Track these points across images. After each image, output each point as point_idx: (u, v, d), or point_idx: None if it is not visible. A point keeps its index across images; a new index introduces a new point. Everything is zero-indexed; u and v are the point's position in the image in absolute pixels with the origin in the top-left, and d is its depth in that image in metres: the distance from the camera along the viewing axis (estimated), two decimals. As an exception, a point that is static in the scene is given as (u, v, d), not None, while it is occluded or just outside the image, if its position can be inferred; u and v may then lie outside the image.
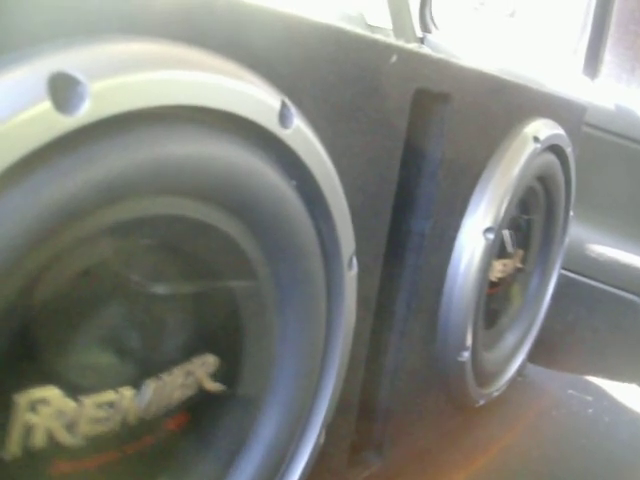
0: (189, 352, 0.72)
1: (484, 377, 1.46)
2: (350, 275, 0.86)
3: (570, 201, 1.71)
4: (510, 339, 1.60)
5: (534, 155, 1.36)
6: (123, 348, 0.66)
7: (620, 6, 2.31)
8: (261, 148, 0.70)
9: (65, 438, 0.59)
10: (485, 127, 1.25)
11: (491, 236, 1.23)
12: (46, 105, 0.47)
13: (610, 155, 2.23)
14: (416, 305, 1.17)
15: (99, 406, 0.62)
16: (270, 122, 0.68)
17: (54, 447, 0.59)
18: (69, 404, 0.59)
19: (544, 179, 1.50)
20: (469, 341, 1.29)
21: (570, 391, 1.84)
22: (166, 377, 0.68)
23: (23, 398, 0.56)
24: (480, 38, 2.69)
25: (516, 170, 1.29)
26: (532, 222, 1.57)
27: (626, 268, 2.19)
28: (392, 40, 0.96)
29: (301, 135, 0.73)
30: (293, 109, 0.72)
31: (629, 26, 2.40)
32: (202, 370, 0.71)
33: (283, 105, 0.70)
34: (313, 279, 0.80)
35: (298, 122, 0.73)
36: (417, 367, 1.26)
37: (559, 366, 2.00)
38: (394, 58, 0.93)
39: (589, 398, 1.81)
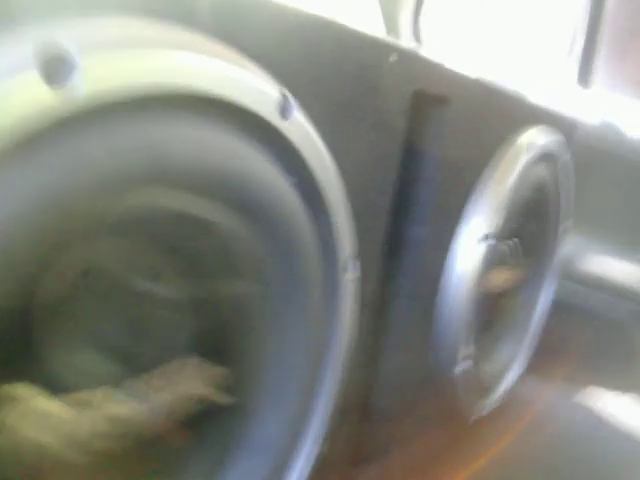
0: (176, 354, 0.69)
1: (481, 389, 1.43)
2: (349, 277, 0.83)
3: (567, 210, 1.70)
4: (507, 350, 1.61)
5: (530, 164, 1.34)
6: (108, 347, 0.63)
7: (613, 18, 2.32)
8: (260, 140, 0.67)
9: (44, 439, 0.56)
10: (482, 133, 1.23)
11: (486, 244, 1.21)
12: (35, 77, 0.44)
13: (601, 165, 2.23)
14: (413, 313, 1.14)
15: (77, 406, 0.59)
16: (269, 113, 0.66)
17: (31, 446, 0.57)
18: (45, 403, 0.56)
19: (539, 188, 1.48)
20: (464, 354, 1.26)
21: (567, 401, 1.82)
22: (149, 378, 0.65)
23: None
24: (473, 48, 2.69)
25: (512, 178, 1.27)
26: (529, 231, 1.56)
27: (622, 277, 2.21)
28: (392, 40, 0.96)
29: (300, 127, 0.71)
30: (292, 101, 0.69)
31: (622, 36, 2.41)
32: (194, 375, 0.70)
33: (283, 96, 0.67)
34: (310, 280, 0.77)
35: (297, 114, 0.70)
36: (415, 374, 1.22)
37: (555, 376, 1.99)
38: (394, 57, 0.91)
39: (586, 408, 1.80)
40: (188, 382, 0.67)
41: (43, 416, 0.55)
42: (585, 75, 2.32)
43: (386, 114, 0.93)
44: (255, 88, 0.63)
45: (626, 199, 2.26)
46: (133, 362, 0.65)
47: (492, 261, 1.31)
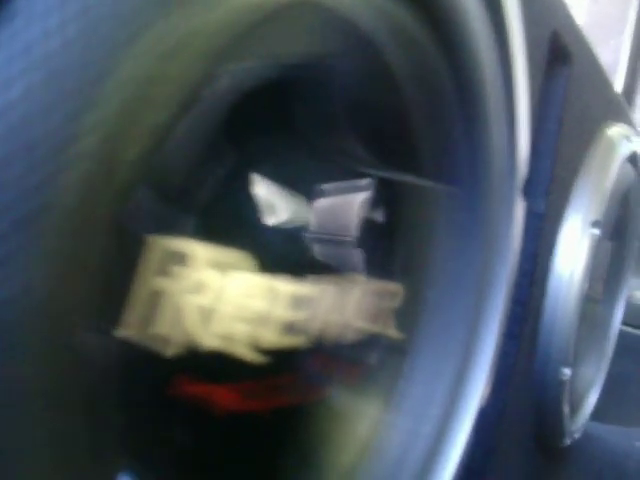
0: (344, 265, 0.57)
1: (575, 404, 1.28)
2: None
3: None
4: (587, 369, 1.47)
5: (624, 160, 1.20)
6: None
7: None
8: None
9: (194, 326, 0.40)
10: (587, 110, 1.10)
11: (597, 231, 1.07)
12: None
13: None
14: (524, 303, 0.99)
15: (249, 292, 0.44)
16: None
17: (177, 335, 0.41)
18: (212, 276, 0.41)
19: (627, 189, 1.32)
20: (571, 356, 1.11)
21: (637, 443, 1.68)
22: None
23: (159, 247, 0.39)
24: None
25: (613, 170, 1.13)
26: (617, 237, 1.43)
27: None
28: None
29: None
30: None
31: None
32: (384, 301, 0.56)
33: None
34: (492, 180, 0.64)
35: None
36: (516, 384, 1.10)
37: (613, 420, 1.86)
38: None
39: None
40: (359, 305, 0.55)
41: (208, 296, 0.40)
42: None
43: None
44: None
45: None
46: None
47: (597, 257, 1.15)
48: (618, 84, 2.24)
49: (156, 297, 0.39)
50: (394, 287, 0.57)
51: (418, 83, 0.55)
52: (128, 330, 0.38)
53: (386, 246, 0.61)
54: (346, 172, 0.57)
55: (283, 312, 0.44)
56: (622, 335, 1.88)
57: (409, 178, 0.58)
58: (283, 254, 0.52)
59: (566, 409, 1.21)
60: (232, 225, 0.49)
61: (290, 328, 0.46)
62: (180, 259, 0.39)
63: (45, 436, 0.33)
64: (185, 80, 0.34)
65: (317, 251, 0.54)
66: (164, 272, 0.39)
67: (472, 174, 0.64)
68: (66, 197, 0.30)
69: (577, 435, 1.40)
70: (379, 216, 0.59)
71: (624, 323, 1.91)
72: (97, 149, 0.30)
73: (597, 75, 1.16)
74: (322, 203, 0.54)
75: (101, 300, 0.35)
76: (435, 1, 0.53)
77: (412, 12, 0.51)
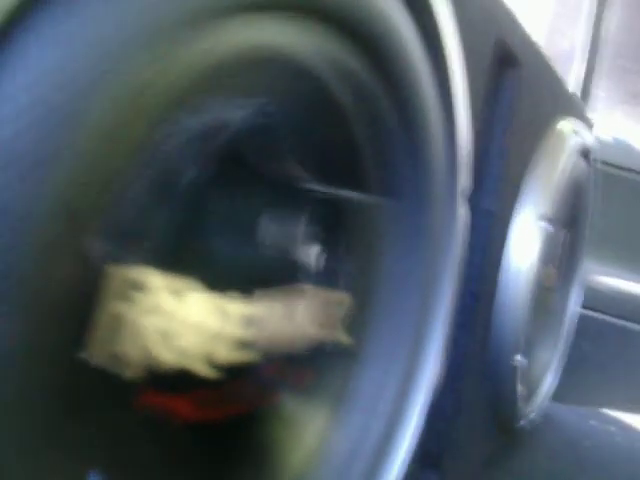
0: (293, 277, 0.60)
1: (530, 387, 1.34)
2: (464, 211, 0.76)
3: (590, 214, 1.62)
4: (543, 355, 1.52)
5: (575, 155, 1.26)
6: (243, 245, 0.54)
7: (615, 40, 2.33)
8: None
9: (153, 346, 0.43)
10: (536, 109, 1.15)
11: (546, 225, 1.12)
12: None
13: (611, 187, 2.20)
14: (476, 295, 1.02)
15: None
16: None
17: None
18: (167, 300, 0.45)
19: (579, 182, 1.38)
20: (523, 343, 1.17)
21: (592, 422, 1.75)
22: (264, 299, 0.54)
23: (118, 276, 0.42)
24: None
25: (563, 164, 1.18)
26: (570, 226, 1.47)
27: (631, 298, 2.15)
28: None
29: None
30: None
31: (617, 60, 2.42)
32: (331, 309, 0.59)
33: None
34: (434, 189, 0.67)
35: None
36: (470, 370, 1.10)
37: (569, 400, 1.92)
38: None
39: (612, 428, 1.74)
40: (307, 315, 0.58)
41: (166, 319, 0.44)
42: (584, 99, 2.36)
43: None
44: None
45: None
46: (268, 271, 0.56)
47: (549, 248, 1.21)
48: (576, 73, 2.30)
49: (117, 321, 0.42)
50: (341, 295, 0.61)
51: (359, 106, 0.58)
52: (92, 352, 0.41)
53: (334, 255, 0.65)
54: (292, 191, 0.60)
55: (234, 330, 0.49)
56: (582, 318, 1.96)
57: (352, 195, 0.61)
58: (233, 275, 0.55)
59: (521, 393, 1.27)
60: (185, 251, 0.52)
61: (242, 344, 0.50)
62: (138, 286, 0.43)
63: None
64: (142, 131, 0.37)
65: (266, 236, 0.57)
66: (124, 298, 0.42)
67: (414, 181, 0.67)
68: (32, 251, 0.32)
69: (534, 416, 1.46)
70: (325, 226, 0.62)
71: (584, 307, 1.98)
72: (56, 215, 0.33)
73: (547, 75, 1.20)
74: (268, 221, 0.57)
75: (67, 325, 0.38)
76: (364, 30, 0.55)
77: (346, 40, 0.54)
